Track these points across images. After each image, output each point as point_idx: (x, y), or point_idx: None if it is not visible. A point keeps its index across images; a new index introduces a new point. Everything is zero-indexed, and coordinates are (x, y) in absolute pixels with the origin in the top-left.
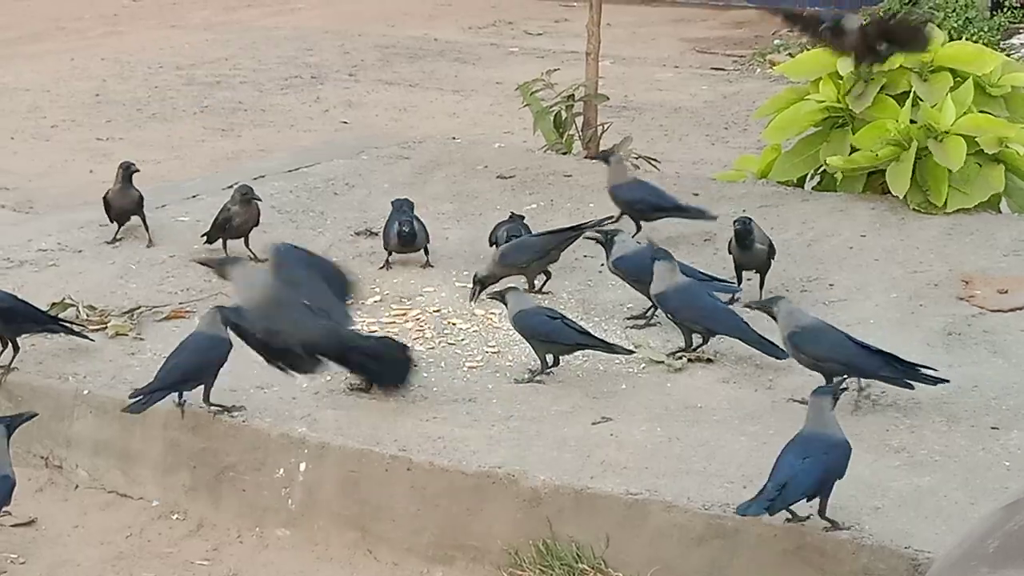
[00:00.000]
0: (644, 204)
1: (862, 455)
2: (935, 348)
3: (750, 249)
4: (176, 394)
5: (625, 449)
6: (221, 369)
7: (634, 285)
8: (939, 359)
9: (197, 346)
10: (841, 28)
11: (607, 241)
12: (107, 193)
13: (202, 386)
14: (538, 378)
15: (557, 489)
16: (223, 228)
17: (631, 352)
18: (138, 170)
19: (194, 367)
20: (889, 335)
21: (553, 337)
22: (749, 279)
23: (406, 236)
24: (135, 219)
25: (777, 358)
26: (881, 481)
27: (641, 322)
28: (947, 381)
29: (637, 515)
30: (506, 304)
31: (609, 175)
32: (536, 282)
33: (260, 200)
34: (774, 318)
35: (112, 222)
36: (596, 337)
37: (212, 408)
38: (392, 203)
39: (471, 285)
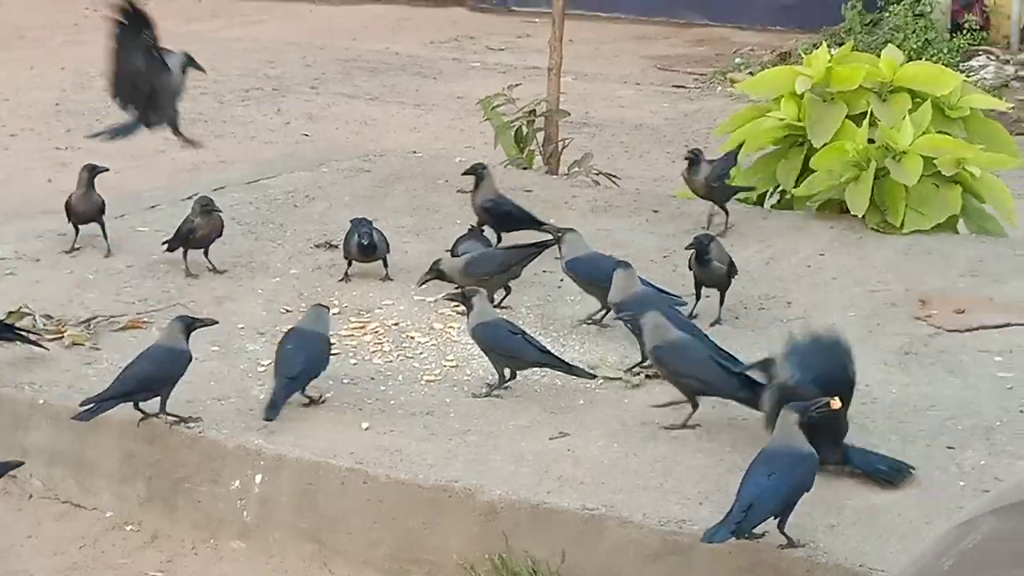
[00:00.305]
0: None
1: (818, 473)
2: (892, 367)
3: (708, 267)
4: (132, 404)
5: (582, 464)
6: (178, 381)
7: (586, 287)
8: (896, 378)
9: (155, 357)
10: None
11: (558, 241)
12: (70, 197)
13: (158, 397)
14: (496, 392)
15: (513, 504)
16: (185, 239)
17: (592, 376)
18: (106, 169)
19: (150, 378)
20: None
21: (513, 352)
22: (708, 296)
23: (365, 247)
24: (94, 228)
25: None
26: (837, 499)
27: (597, 316)
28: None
29: (593, 530)
30: (469, 309)
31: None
32: (495, 296)
33: (220, 212)
34: (638, 332)
35: (73, 227)
36: (557, 357)
37: (168, 419)
38: (351, 221)
39: (428, 272)
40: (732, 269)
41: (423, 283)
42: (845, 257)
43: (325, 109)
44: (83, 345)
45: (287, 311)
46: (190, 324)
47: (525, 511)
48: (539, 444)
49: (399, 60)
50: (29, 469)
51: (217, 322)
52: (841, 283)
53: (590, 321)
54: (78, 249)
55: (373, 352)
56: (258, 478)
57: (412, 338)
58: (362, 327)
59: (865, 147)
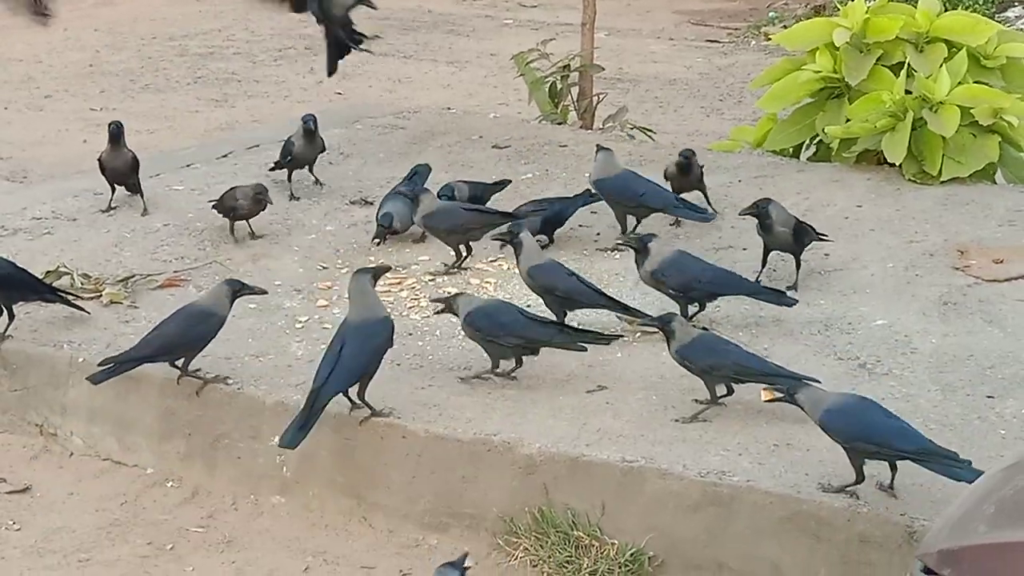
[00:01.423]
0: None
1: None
2: (931, 317)
3: (771, 232)
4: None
5: (621, 417)
6: (205, 345)
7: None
8: (935, 328)
9: (183, 319)
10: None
11: (513, 244)
12: (100, 156)
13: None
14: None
15: (553, 457)
16: (288, 158)
17: (647, 316)
18: (121, 126)
19: (175, 340)
20: (885, 304)
21: (570, 294)
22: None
23: (385, 228)
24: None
25: (787, 305)
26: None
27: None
28: (619, 337)
29: (633, 483)
30: (517, 251)
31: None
32: (458, 253)
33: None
34: (454, 311)
35: (108, 184)
36: (612, 298)
37: (192, 378)
38: (412, 168)
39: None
40: (802, 233)
41: (380, 241)
42: (883, 208)
43: (358, 67)
44: (121, 303)
45: (323, 267)
46: (238, 290)
47: (564, 464)
48: (577, 397)
49: (432, 18)
50: (70, 427)
51: (266, 292)
52: (879, 234)
53: (620, 242)
54: (115, 208)
55: (410, 308)
56: None
57: (449, 292)
58: (398, 283)
59: (902, 97)
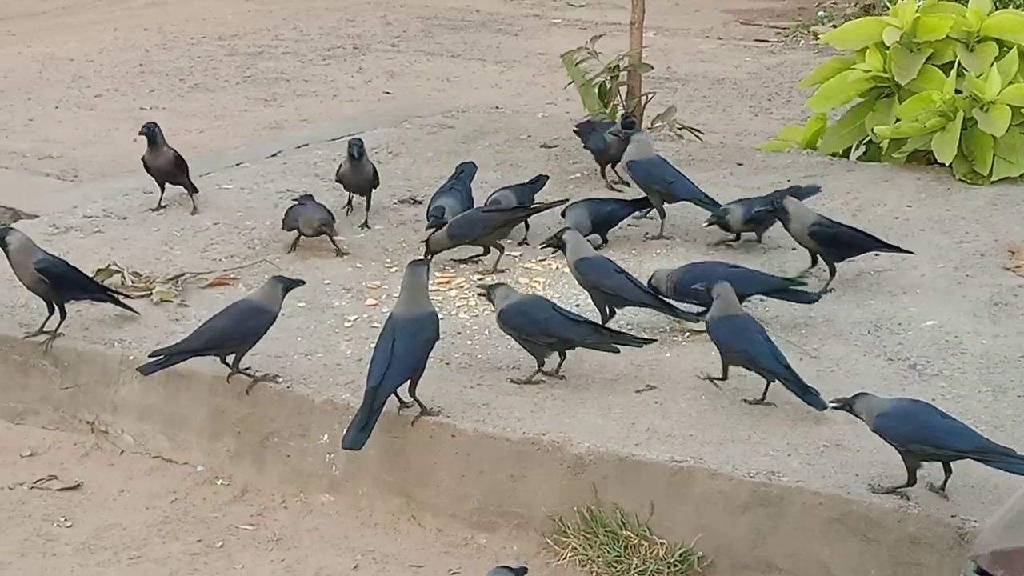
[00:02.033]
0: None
1: None
2: (981, 318)
3: (789, 228)
4: (219, 359)
5: (670, 417)
6: (256, 340)
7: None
8: (985, 329)
9: (236, 314)
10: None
11: (560, 243)
12: (143, 156)
13: (234, 354)
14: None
15: (602, 456)
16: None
17: (696, 319)
18: (154, 127)
19: (226, 334)
20: (935, 305)
21: (617, 291)
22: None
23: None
24: (179, 188)
25: (809, 302)
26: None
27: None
28: (653, 341)
29: (682, 482)
30: (563, 248)
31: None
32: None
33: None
34: (491, 301)
35: (158, 185)
36: (660, 298)
37: (242, 375)
38: (458, 166)
39: (425, 252)
40: (824, 230)
41: (428, 261)
42: (933, 208)
43: (406, 67)
44: (171, 302)
45: (372, 266)
46: (288, 286)
47: (613, 463)
48: (626, 397)
49: (480, 17)
50: (121, 424)
51: (304, 282)
52: (929, 234)
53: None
54: (165, 207)
55: (459, 307)
56: None
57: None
58: (447, 282)
59: (952, 97)
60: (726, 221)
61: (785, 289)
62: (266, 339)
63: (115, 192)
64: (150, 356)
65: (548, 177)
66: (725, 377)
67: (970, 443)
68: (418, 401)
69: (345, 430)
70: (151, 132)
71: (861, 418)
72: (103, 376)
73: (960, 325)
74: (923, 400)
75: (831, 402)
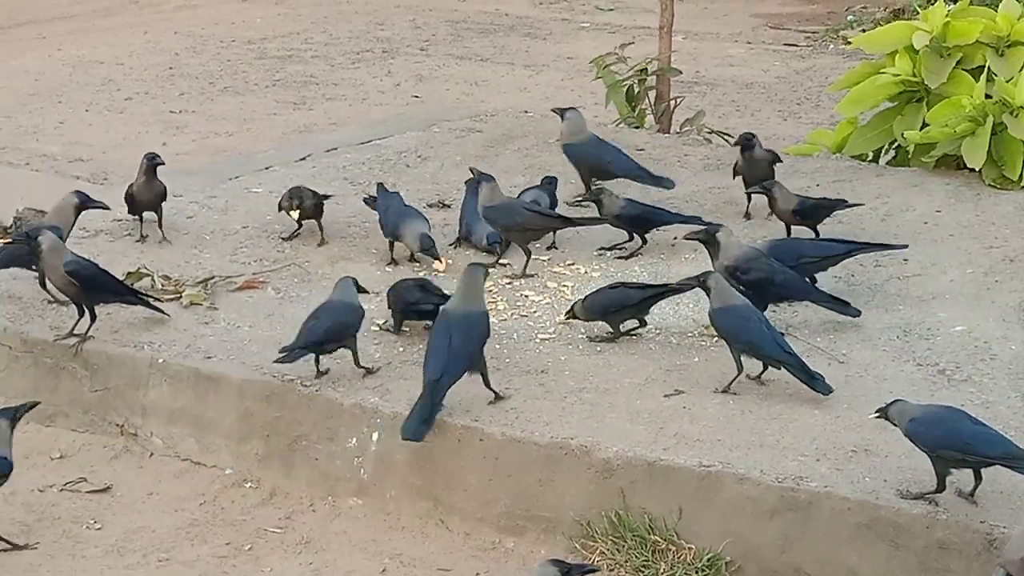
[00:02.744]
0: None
1: None
2: (1010, 324)
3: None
4: (314, 358)
5: (698, 422)
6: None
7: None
8: (1015, 335)
9: (335, 310)
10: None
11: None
12: (130, 187)
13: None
14: (610, 350)
15: (630, 461)
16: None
17: (830, 390)
18: (162, 163)
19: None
20: (964, 310)
21: (754, 344)
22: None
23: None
24: (210, 193)
25: (851, 315)
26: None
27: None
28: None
29: (710, 487)
30: (707, 292)
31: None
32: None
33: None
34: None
35: (134, 216)
36: (798, 358)
37: (360, 370)
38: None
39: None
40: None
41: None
42: (962, 213)
43: (435, 70)
44: (201, 305)
45: (400, 270)
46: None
47: (641, 468)
48: (654, 401)
49: (508, 21)
50: (150, 427)
51: (366, 291)
52: (958, 239)
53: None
54: (146, 236)
55: (488, 311)
56: (375, 436)
57: (526, 296)
58: None
59: (982, 102)
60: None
61: (828, 301)
62: None
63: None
64: (280, 351)
65: (557, 178)
66: (740, 369)
67: (998, 449)
68: (492, 390)
69: (405, 421)
70: (156, 163)
71: (895, 424)
72: (132, 379)
73: (989, 331)
74: (956, 407)
75: (872, 414)
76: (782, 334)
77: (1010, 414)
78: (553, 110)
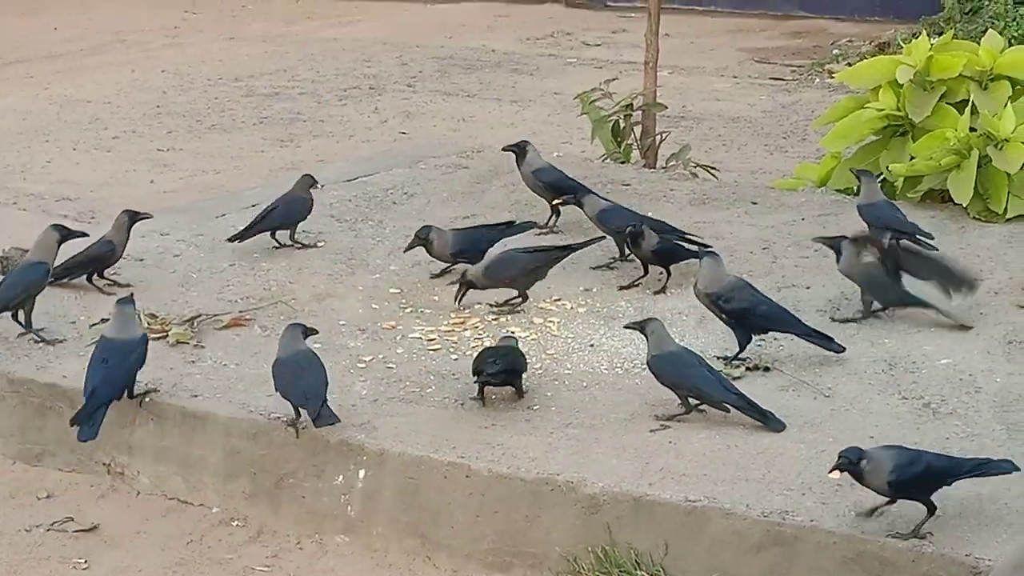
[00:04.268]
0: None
1: None
2: (995, 356)
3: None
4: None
5: (684, 456)
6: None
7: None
8: (999, 367)
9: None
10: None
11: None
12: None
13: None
14: (596, 386)
15: (616, 496)
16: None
17: (782, 426)
18: (148, 216)
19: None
20: (949, 343)
21: (699, 390)
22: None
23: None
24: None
25: (834, 351)
26: (942, 490)
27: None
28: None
29: (696, 522)
30: (647, 337)
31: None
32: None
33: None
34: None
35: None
36: (748, 398)
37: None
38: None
39: (458, 285)
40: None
41: (459, 300)
42: (947, 246)
43: (422, 107)
44: (187, 343)
45: (387, 307)
46: (308, 329)
47: (627, 503)
48: (640, 436)
49: (495, 57)
50: (137, 466)
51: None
52: None
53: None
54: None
55: (473, 347)
56: (361, 473)
57: (512, 333)
58: (462, 323)
59: (966, 135)
60: None
61: (812, 334)
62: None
63: (132, 234)
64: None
65: (516, 222)
66: (689, 411)
67: (966, 466)
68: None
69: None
70: (137, 219)
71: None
72: (119, 418)
73: (974, 363)
74: (904, 446)
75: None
76: (767, 368)
77: (995, 446)
78: (504, 148)
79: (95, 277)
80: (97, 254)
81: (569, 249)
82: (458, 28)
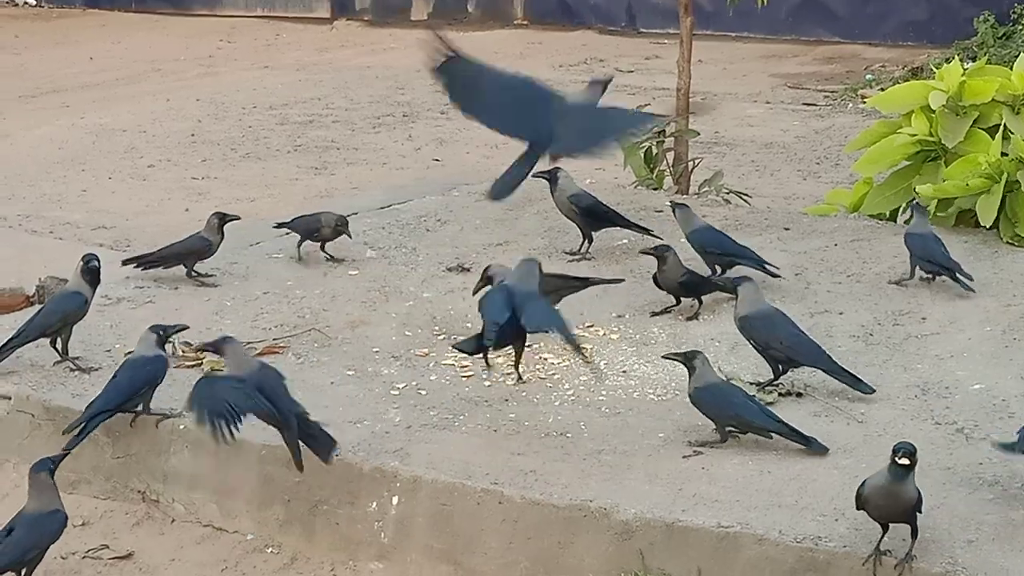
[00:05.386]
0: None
1: (955, 488)
2: None
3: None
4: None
5: (717, 482)
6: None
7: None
8: None
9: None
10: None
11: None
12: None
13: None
14: (629, 412)
15: (648, 522)
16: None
17: (825, 449)
18: (237, 217)
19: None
20: (983, 368)
21: (742, 418)
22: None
23: None
24: (232, 256)
25: (863, 392)
26: (975, 514)
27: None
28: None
29: (729, 548)
30: (690, 373)
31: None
32: None
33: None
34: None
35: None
36: (788, 425)
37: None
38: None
39: (480, 277)
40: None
41: (476, 292)
42: (980, 271)
43: (455, 134)
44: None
45: (420, 334)
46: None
47: (660, 529)
48: (673, 462)
49: None
50: (171, 493)
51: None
52: (976, 297)
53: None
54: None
55: (507, 373)
56: (395, 500)
57: (545, 359)
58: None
59: (998, 159)
60: None
61: (841, 373)
62: (316, 407)
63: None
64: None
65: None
66: (724, 439)
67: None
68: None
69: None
70: (227, 221)
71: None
72: (154, 445)
73: (1008, 388)
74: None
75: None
76: (799, 393)
77: None
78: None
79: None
80: (192, 248)
81: (587, 282)
82: (491, 55)
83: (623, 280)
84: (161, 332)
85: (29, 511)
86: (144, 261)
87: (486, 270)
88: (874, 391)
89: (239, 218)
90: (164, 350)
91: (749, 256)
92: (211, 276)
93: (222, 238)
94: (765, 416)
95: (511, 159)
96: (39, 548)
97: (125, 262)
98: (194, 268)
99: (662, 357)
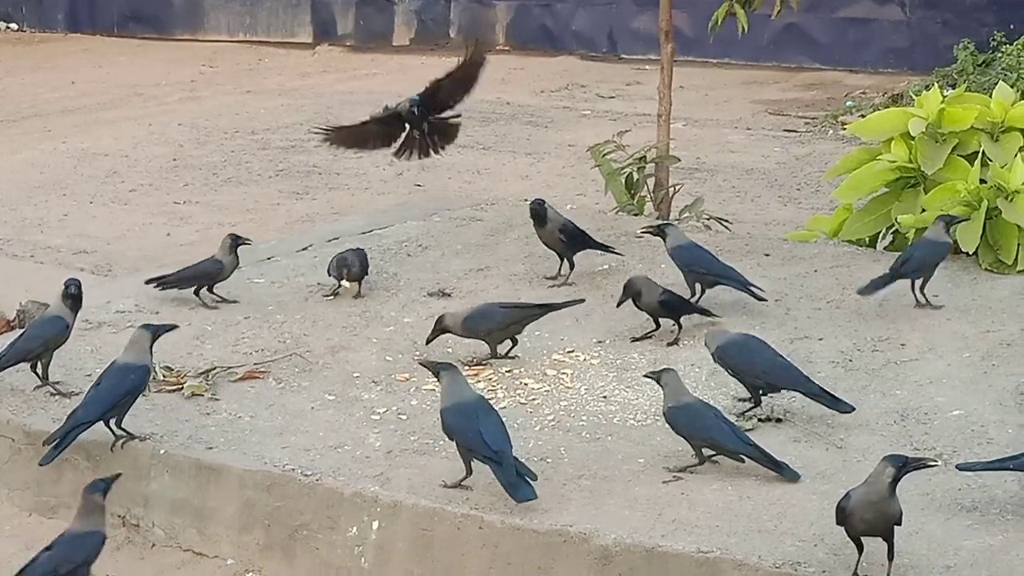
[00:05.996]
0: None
1: (934, 514)
2: (1008, 408)
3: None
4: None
5: (696, 508)
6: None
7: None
8: (1011, 419)
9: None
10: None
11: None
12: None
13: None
14: (609, 437)
15: (628, 547)
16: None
17: (796, 476)
18: (248, 241)
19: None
20: (961, 395)
21: (714, 440)
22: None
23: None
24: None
25: (842, 411)
26: (953, 540)
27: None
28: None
29: (708, 573)
30: (663, 388)
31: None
32: (500, 349)
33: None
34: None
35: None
36: (762, 449)
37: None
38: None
39: (433, 329)
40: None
41: (429, 341)
42: (959, 298)
43: (437, 159)
44: (202, 396)
45: (401, 359)
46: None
47: (640, 555)
48: (653, 487)
49: (510, 110)
50: (151, 518)
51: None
52: (955, 324)
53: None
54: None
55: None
56: (375, 525)
57: (526, 384)
58: (476, 374)
59: (977, 187)
60: None
61: (820, 394)
62: (296, 432)
63: (148, 287)
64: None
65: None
66: (702, 462)
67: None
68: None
69: (506, 488)
70: (240, 243)
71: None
72: (134, 470)
73: (986, 415)
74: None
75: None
76: (779, 419)
77: (1007, 497)
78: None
79: (202, 292)
80: (205, 271)
81: (548, 308)
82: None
83: (584, 300)
84: (153, 331)
85: (71, 530)
86: (164, 282)
87: (439, 320)
88: (854, 409)
89: (251, 242)
90: (152, 353)
91: (733, 277)
92: (234, 302)
93: (236, 260)
94: (736, 439)
95: (493, 184)
96: (72, 563)
97: (147, 281)
98: (212, 290)
99: (643, 376)
